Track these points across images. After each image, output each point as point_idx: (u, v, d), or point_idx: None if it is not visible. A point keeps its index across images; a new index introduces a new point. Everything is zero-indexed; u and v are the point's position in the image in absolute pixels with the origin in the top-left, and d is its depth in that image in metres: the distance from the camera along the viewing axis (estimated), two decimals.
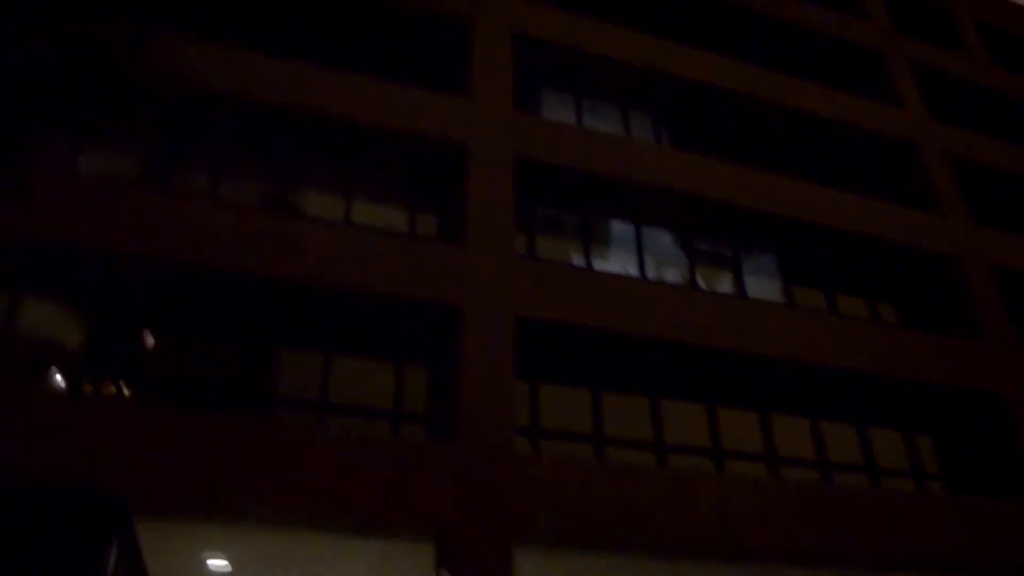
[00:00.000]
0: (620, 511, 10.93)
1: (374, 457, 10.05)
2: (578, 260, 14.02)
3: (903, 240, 16.25)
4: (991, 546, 13.35)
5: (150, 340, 11.05)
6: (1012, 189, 19.79)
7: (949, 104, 21.72)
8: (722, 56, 17.35)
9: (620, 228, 14.86)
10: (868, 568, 13.75)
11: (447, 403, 11.28)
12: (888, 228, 16.19)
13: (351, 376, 11.78)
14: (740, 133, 17.68)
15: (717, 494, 11.79)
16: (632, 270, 14.30)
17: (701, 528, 11.35)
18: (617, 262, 14.29)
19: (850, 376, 14.09)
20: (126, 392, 10.52)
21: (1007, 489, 14.49)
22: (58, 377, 10.51)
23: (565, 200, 14.45)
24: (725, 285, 15.15)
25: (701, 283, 14.88)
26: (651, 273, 14.49)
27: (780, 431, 14.07)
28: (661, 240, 15.20)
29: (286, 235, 10.99)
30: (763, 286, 15.49)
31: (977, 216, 19.79)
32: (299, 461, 9.68)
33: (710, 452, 13.19)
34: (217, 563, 12.76)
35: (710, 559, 12.65)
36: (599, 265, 14.09)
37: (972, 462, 15.39)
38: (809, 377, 14.06)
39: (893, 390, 14.78)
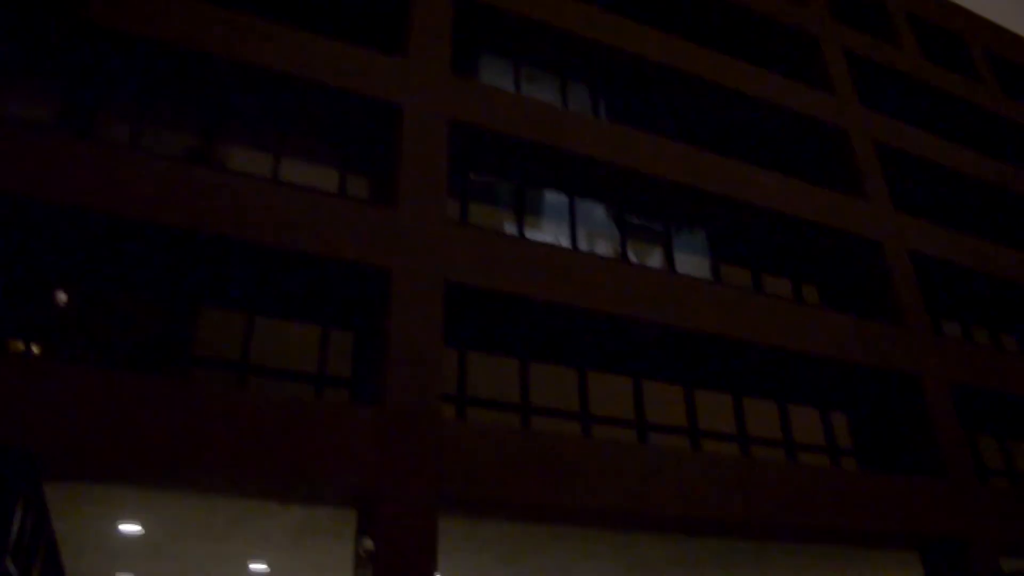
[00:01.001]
0: (544, 479, 10.94)
1: (296, 420, 9.83)
2: (511, 229, 13.93)
3: (829, 222, 16.60)
4: (902, 521, 13.82)
5: (62, 296, 10.57)
6: (935, 179, 20.40)
7: (879, 93, 22.23)
8: (663, 32, 17.39)
9: (554, 199, 14.80)
10: (783, 540, 14.14)
11: (373, 367, 11.10)
12: (815, 210, 16.52)
13: (274, 337, 11.49)
14: (677, 109, 17.76)
15: (640, 465, 11.91)
16: (564, 241, 14.28)
17: (624, 498, 11.46)
18: (549, 233, 14.24)
19: (773, 353, 14.37)
20: (35, 350, 10.05)
21: (918, 467, 15.03)
22: None
23: (499, 168, 14.32)
24: (656, 260, 15.25)
25: (632, 257, 14.96)
26: (583, 245, 14.49)
27: (703, 405, 14.29)
28: (594, 212, 15.20)
29: (209, 189, 10.60)
30: (693, 263, 15.66)
31: (900, 203, 20.36)
32: (217, 423, 9.40)
33: (635, 424, 13.31)
34: (130, 528, 12.40)
35: (631, 529, 12.81)
36: (531, 235, 14.02)
37: (886, 440, 15.92)
38: (733, 353, 14.29)
39: (813, 368, 15.14)
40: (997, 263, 18.88)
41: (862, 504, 13.61)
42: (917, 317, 16.41)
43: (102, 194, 9.93)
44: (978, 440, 17.75)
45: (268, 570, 15.33)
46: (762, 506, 12.60)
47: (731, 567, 16.74)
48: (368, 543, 9.85)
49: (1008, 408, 17.67)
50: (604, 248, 14.83)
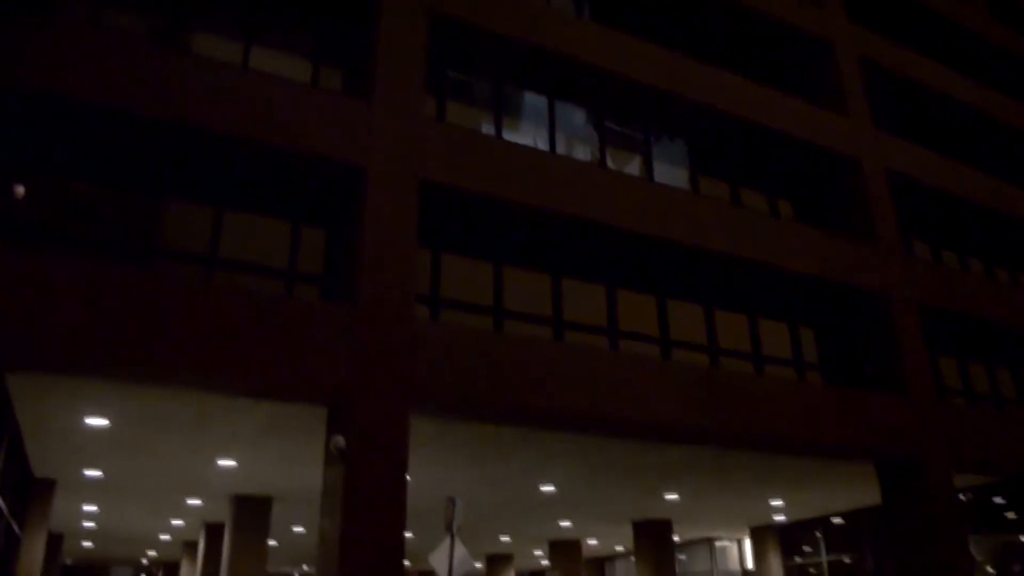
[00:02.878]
0: (516, 381, 10.95)
1: (266, 316, 9.65)
2: (488, 130, 13.58)
3: (808, 137, 16.45)
4: (861, 435, 14.14)
5: (20, 190, 10.15)
6: (918, 100, 20.23)
7: (867, 7, 21.81)
8: None
9: (533, 100, 14.45)
10: (746, 449, 14.44)
11: (345, 265, 10.90)
12: (795, 123, 16.33)
13: (243, 233, 11.21)
14: (660, 13, 17.28)
15: (611, 371, 11.96)
16: (543, 145, 13.98)
17: (594, 402, 11.53)
18: (528, 135, 13.93)
19: (745, 266, 14.38)
20: None
21: (881, 384, 15.31)
22: None
23: (478, 65, 13.89)
24: (634, 168, 15.05)
25: (611, 164, 14.73)
26: (561, 149, 14.21)
27: (675, 315, 14.33)
28: (574, 117, 14.89)
29: (177, 74, 10.12)
30: (671, 173, 15.48)
31: (880, 122, 20.22)
32: (185, 317, 9.19)
33: (607, 331, 13.33)
34: (96, 421, 12.31)
35: (599, 433, 12.97)
36: (510, 137, 13.70)
37: (851, 356, 16.16)
38: (706, 265, 14.28)
39: (784, 283, 15.21)
40: (973, 188, 18.93)
41: (824, 417, 13.87)
42: (889, 236, 16.48)
43: (60, 76, 9.44)
44: (939, 360, 18.12)
45: (237, 466, 15.42)
46: (727, 416, 12.78)
47: (694, 474, 17.16)
48: (340, 441, 9.84)
49: (971, 330, 17.99)
50: (583, 154, 14.57)
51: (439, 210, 11.88)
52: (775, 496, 20.94)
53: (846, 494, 20.42)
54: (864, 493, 19.42)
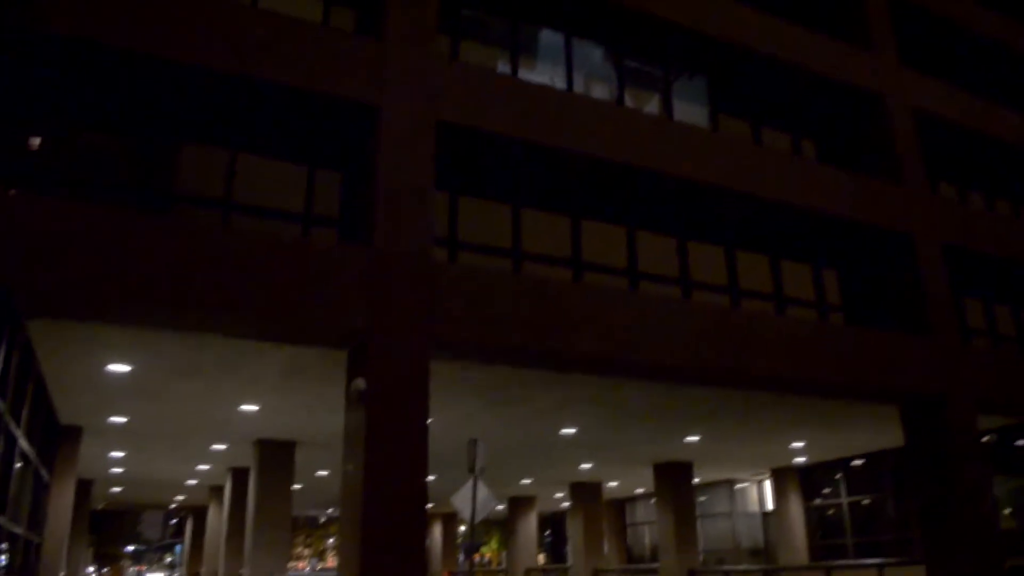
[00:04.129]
0: (536, 324, 10.88)
1: (284, 260, 9.59)
2: (504, 69, 13.29)
3: (832, 73, 16.01)
4: (884, 376, 14.01)
5: (35, 141, 10.06)
6: (945, 34, 19.61)
7: None
8: None
9: (550, 38, 14.11)
10: (769, 391, 14.37)
11: (362, 208, 10.78)
12: (818, 59, 15.88)
13: (259, 177, 11.10)
14: None
15: (630, 313, 11.86)
16: (559, 83, 13.67)
17: (612, 345, 11.46)
18: (545, 74, 13.62)
19: (768, 206, 14.13)
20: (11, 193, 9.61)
21: (905, 325, 15.10)
22: None
23: (493, 2, 13.55)
24: (653, 107, 14.73)
25: (629, 102, 14.40)
26: (579, 88, 13.89)
27: (696, 257, 14.14)
28: (592, 55, 14.54)
29: (189, 15, 9.92)
30: (691, 112, 15.13)
31: (907, 58, 19.63)
32: (202, 261, 9.15)
33: (627, 273, 13.17)
34: (119, 368, 12.40)
35: (619, 376, 12.93)
36: (526, 75, 13.40)
37: (874, 298, 15.92)
38: (728, 205, 14.04)
39: (807, 223, 14.95)
40: (1001, 127, 18.42)
41: (847, 358, 13.74)
42: (914, 176, 16.11)
43: (70, 17, 9.27)
44: (964, 301, 17.84)
45: (259, 410, 15.55)
46: (749, 357, 12.68)
47: (715, 415, 17.15)
48: (360, 383, 9.84)
49: (997, 271, 17.67)
50: (601, 92, 14.25)
51: (456, 151, 11.68)
52: (797, 438, 20.94)
53: (868, 435, 20.36)
54: (886, 434, 19.32)
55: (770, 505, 29.09)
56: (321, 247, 10.29)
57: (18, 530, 12.81)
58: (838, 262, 16.10)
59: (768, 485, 29.32)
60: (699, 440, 20.18)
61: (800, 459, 25.51)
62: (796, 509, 27.35)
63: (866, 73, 16.50)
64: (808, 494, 27.31)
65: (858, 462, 25.15)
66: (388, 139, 10.52)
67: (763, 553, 28.85)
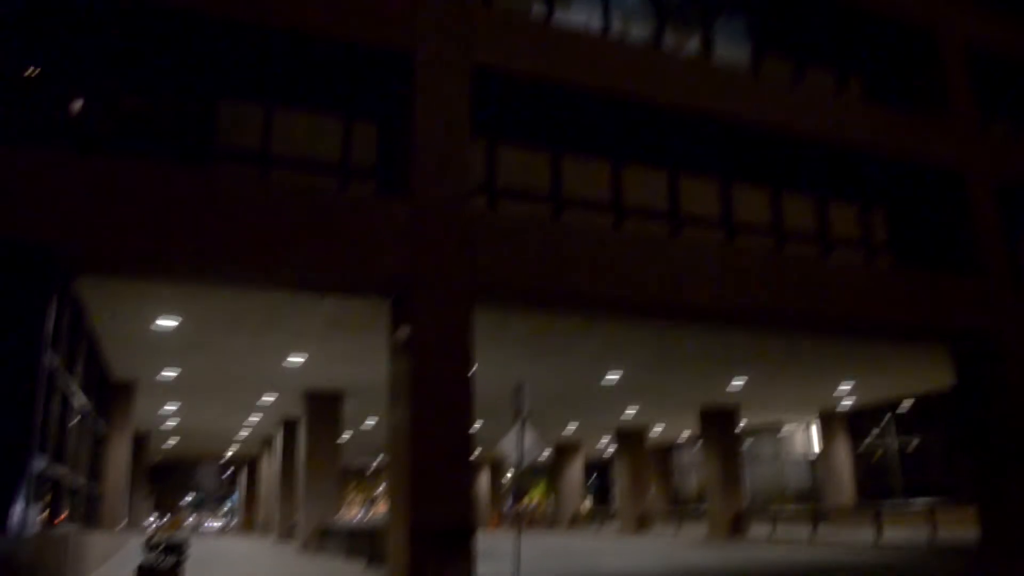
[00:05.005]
0: (578, 269, 10.78)
1: (325, 212, 9.58)
2: (539, 11, 12.98)
3: (877, 7, 15.40)
4: (933, 315, 13.69)
5: (77, 104, 10.09)
6: None
7: None
8: None
9: None
10: (815, 332, 14.16)
11: (399, 158, 10.70)
12: None
13: (297, 131, 11.06)
14: None
15: (673, 256, 11.70)
16: (597, 23, 13.33)
17: (656, 288, 11.32)
18: (582, 15, 13.28)
19: (813, 145, 13.76)
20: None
21: (954, 264, 14.69)
22: None
23: None
24: (693, 47, 14.31)
25: (668, 42, 14.01)
26: (616, 28, 13.54)
27: (739, 199, 13.83)
28: None
29: None
30: (732, 51, 14.67)
31: None
32: (245, 214, 9.17)
33: (668, 216, 12.95)
34: (168, 322, 12.62)
35: (663, 319, 12.83)
36: (562, 17, 13.07)
37: (923, 237, 15.47)
38: (771, 145, 13.69)
39: (854, 162, 14.53)
40: None
41: (895, 299, 13.43)
42: (966, 112, 15.51)
43: None
44: (1018, 241, 17.27)
45: (306, 362, 15.77)
46: (794, 298, 12.46)
47: (762, 358, 16.99)
48: (404, 331, 9.87)
49: None
50: (639, 33, 13.89)
51: (492, 96, 11.49)
52: (844, 380, 20.71)
53: (916, 378, 20.07)
54: (935, 377, 19.00)
55: (816, 449, 28.98)
56: (360, 198, 10.26)
57: (79, 480, 13.23)
58: (886, 201, 15.64)
59: (814, 429, 29.17)
60: (745, 383, 20.06)
61: (847, 402, 25.28)
62: (843, 452, 27.21)
63: (914, 2, 15.83)
64: (855, 437, 27.12)
65: (906, 404, 24.85)
66: (423, 86, 10.37)
67: (810, 496, 28.83)
